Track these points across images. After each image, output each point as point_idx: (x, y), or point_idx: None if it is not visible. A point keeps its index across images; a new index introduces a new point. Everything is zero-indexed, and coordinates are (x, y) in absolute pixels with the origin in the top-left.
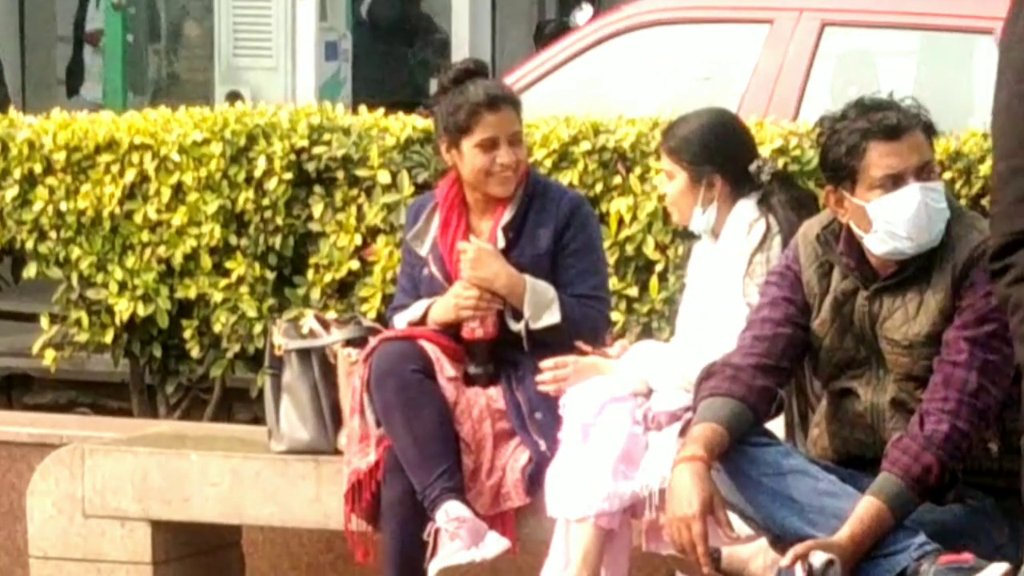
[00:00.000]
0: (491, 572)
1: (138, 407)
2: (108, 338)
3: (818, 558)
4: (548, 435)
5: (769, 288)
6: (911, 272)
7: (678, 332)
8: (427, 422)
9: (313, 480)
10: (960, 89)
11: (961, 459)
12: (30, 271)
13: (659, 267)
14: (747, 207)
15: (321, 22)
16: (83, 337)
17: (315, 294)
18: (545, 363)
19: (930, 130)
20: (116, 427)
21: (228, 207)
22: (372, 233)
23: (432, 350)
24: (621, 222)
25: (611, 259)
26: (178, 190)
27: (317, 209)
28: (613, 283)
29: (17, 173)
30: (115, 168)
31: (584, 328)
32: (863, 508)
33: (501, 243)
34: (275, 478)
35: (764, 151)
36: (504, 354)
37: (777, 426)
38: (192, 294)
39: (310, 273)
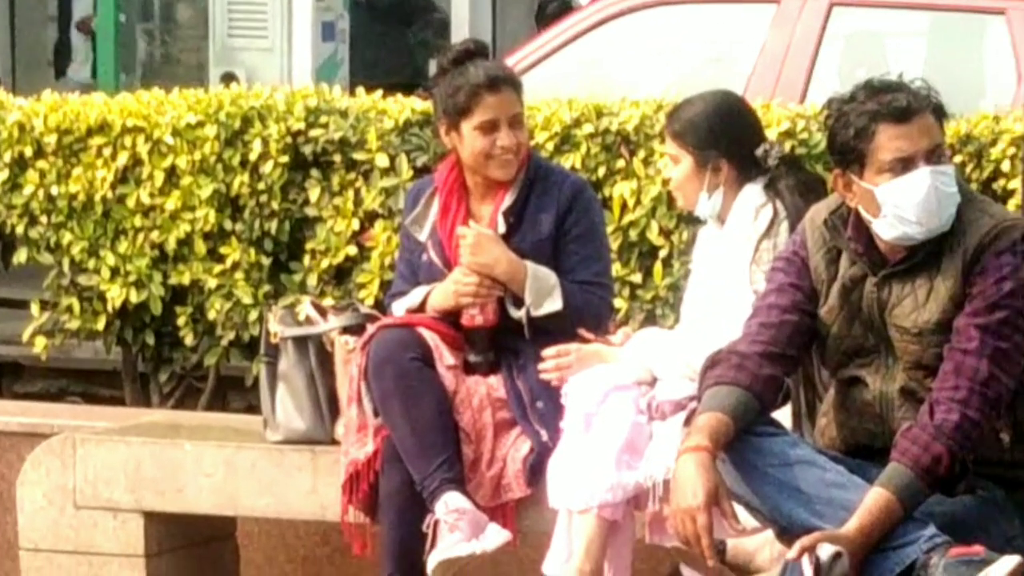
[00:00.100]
0: (491, 565)
1: (131, 396)
2: (100, 325)
3: (825, 551)
4: (550, 425)
5: (776, 274)
6: (921, 258)
7: (683, 319)
8: (426, 411)
9: (309, 471)
10: (971, 71)
11: (972, 449)
12: (20, 256)
13: (663, 253)
14: (754, 192)
15: (318, 2)
16: (74, 324)
17: (312, 280)
18: (547, 351)
19: (940, 112)
20: (108, 416)
21: (223, 191)
22: (370, 218)
23: (431, 338)
24: (624, 206)
25: (614, 244)
26: (171, 174)
27: (314, 193)
28: (616, 269)
29: (7, 156)
30: (107, 151)
31: (586, 315)
32: (872, 499)
33: (502, 228)
34: (271, 469)
35: (771, 134)
36: (505, 342)
37: (784, 415)
38: (186, 280)
39: (306, 259)
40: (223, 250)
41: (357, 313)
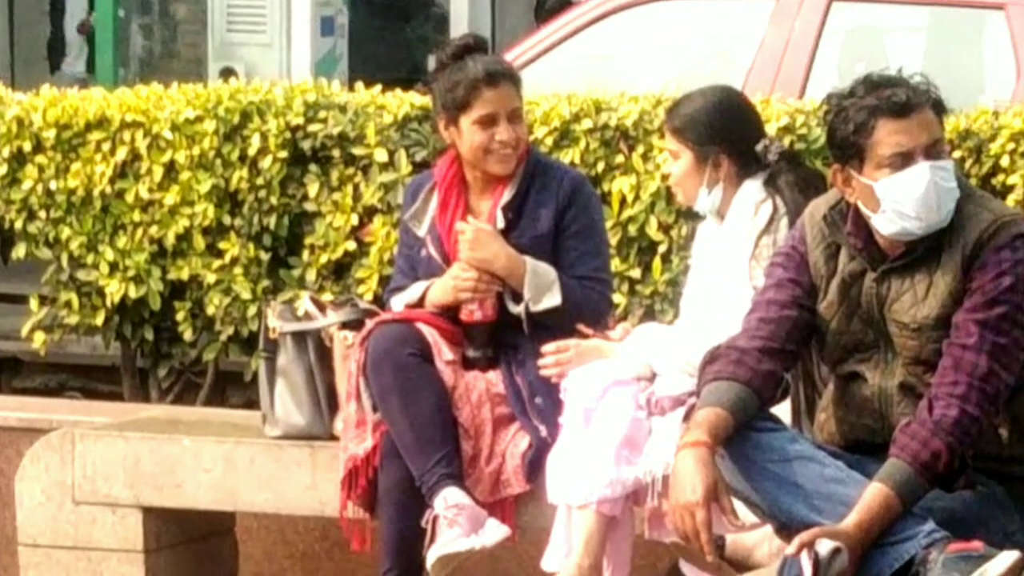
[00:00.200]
0: (490, 560)
1: (129, 391)
2: (99, 320)
3: (824, 546)
4: (549, 420)
5: (775, 269)
6: (920, 253)
7: (682, 314)
8: (425, 407)
9: (308, 466)
10: (970, 66)
11: (971, 445)
12: (19, 251)
13: (662, 248)
14: (754, 188)
15: None
16: (73, 319)
17: (310, 275)
18: (547, 347)
19: (940, 107)
20: (107, 411)
21: (221, 186)
22: (369, 213)
23: (430, 333)
24: (623, 202)
25: (613, 240)
26: (170, 169)
27: (313, 188)
28: (615, 264)
29: (6, 151)
30: (106, 146)
31: (586, 311)
32: (871, 495)
33: (501, 223)
34: (269, 464)
35: (770, 129)
36: (504, 337)
37: (783, 411)
38: (185, 275)
39: (305, 254)
40: (222, 245)
41: (356, 308)
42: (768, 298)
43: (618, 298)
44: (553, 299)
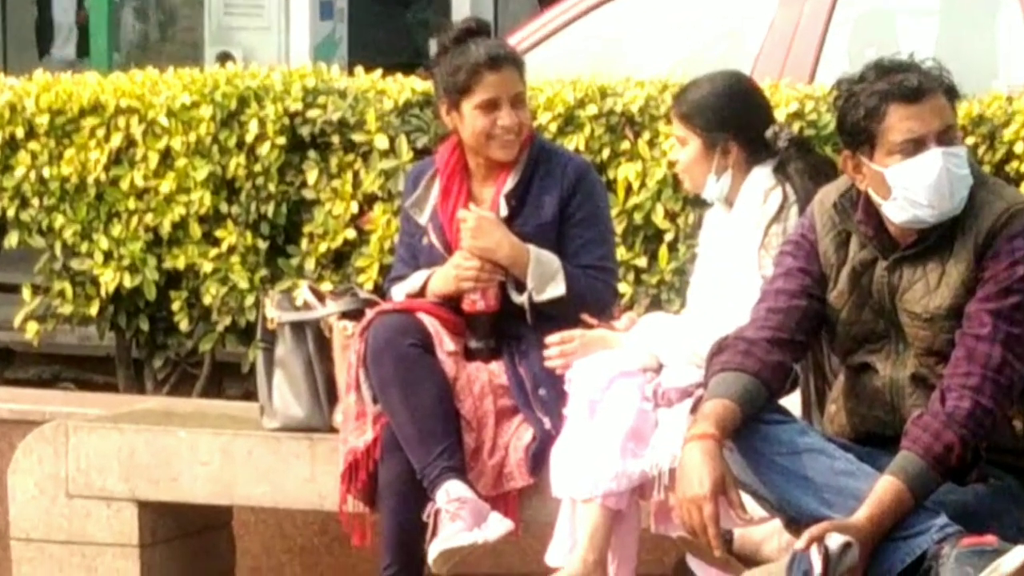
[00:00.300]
0: (493, 555)
1: (124, 382)
2: (93, 310)
3: (835, 541)
4: (553, 412)
5: (784, 258)
6: (932, 242)
7: (689, 304)
8: (426, 398)
9: (307, 459)
10: (983, 50)
11: (984, 437)
12: (11, 240)
13: (669, 236)
14: (763, 175)
15: None
16: (67, 309)
17: (309, 264)
18: (551, 338)
19: (952, 93)
20: (101, 403)
21: (218, 173)
22: (369, 201)
23: (431, 323)
24: (629, 189)
25: (618, 228)
26: (166, 155)
27: (311, 175)
28: (621, 253)
29: None
30: (100, 132)
31: (590, 300)
32: (882, 488)
33: (504, 211)
34: (267, 456)
35: (779, 115)
36: (506, 328)
37: (792, 403)
38: (181, 264)
39: (304, 242)
40: (219, 233)
41: (356, 298)
42: (777, 287)
43: (623, 287)
44: (557, 289)
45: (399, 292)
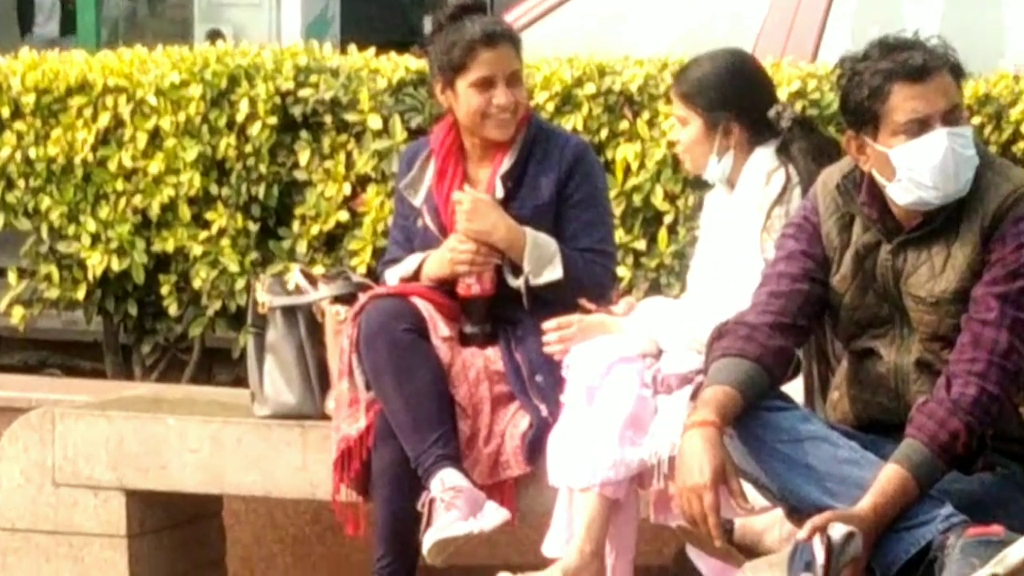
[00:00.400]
0: (489, 545)
1: (112, 368)
2: (80, 294)
3: (838, 530)
4: (550, 399)
5: (786, 241)
6: (937, 224)
7: (689, 288)
8: (420, 385)
9: (299, 447)
10: (990, 28)
11: (990, 424)
12: None
13: (668, 218)
14: (765, 155)
15: None
16: (53, 293)
17: (301, 247)
18: (548, 323)
19: (958, 72)
20: (89, 390)
21: (208, 154)
22: (362, 182)
23: (425, 308)
24: (628, 170)
25: (617, 210)
26: (155, 136)
27: (303, 156)
28: (619, 236)
29: None
30: (88, 112)
31: (588, 284)
32: (886, 477)
33: (500, 193)
34: (258, 444)
35: (781, 94)
36: (502, 312)
37: (795, 389)
38: (170, 247)
39: (296, 225)
40: (209, 216)
41: (349, 282)
42: (779, 271)
43: (622, 271)
44: (554, 272)
45: (393, 276)
